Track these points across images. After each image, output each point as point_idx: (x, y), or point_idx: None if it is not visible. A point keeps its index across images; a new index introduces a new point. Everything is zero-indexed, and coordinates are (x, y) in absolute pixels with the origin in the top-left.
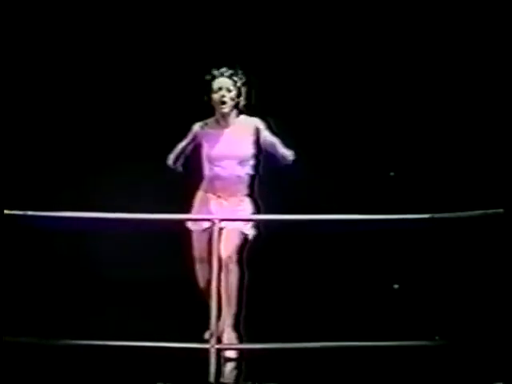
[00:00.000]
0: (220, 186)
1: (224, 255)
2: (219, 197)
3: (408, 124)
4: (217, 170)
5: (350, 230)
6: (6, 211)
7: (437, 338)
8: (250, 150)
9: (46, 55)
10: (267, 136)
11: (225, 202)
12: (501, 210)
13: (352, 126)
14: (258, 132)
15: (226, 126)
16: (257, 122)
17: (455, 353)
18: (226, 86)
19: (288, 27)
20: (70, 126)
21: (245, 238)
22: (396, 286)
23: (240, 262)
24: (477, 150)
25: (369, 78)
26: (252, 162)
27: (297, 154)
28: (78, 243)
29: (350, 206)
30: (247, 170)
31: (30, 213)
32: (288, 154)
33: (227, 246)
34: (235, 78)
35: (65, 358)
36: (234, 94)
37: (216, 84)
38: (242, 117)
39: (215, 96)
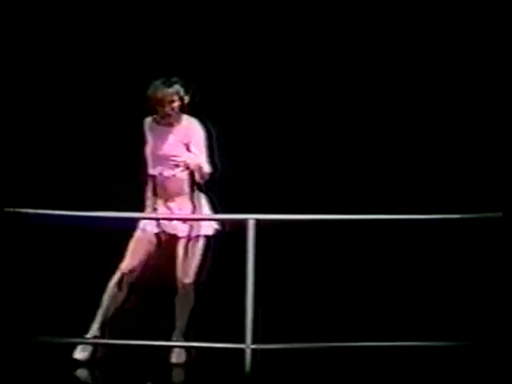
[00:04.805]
0: (164, 187)
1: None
2: (166, 199)
3: (408, 126)
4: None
5: (350, 230)
6: (5, 209)
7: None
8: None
9: (45, 57)
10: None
11: (172, 204)
12: (500, 213)
13: (352, 127)
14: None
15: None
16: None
17: (455, 355)
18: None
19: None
20: (68, 125)
21: (207, 243)
22: (396, 288)
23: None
24: (476, 152)
25: (369, 79)
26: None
27: (297, 154)
28: (77, 240)
29: (350, 207)
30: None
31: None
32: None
33: (186, 265)
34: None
35: (65, 355)
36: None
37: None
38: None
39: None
